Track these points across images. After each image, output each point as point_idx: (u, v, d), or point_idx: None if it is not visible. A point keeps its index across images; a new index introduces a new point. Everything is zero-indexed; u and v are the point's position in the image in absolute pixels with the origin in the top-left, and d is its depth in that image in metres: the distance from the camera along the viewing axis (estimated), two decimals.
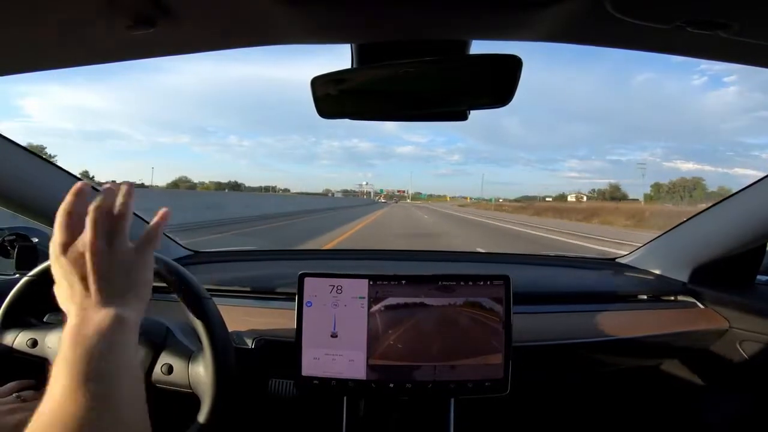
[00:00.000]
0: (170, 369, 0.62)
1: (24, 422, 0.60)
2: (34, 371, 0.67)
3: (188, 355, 0.62)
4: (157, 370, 0.62)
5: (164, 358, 0.62)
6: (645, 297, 1.05)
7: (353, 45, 0.58)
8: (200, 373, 0.60)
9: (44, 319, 0.70)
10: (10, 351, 0.66)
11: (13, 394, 0.65)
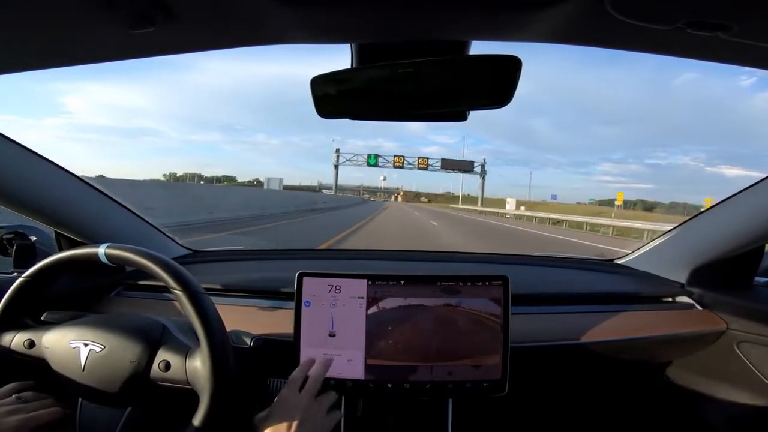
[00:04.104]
0: (168, 365, 0.62)
1: (25, 423, 0.61)
2: (34, 372, 0.67)
3: (185, 351, 0.62)
4: (155, 367, 0.62)
5: (161, 355, 0.62)
6: (643, 298, 1.05)
7: (353, 45, 0.58)
8: (197, 367, 0.60)
9: (42, 318, 0.70)
10: (8, 352, 0.66)
11: (14, 395, 0.65)
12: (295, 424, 0.59)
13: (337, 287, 0.74)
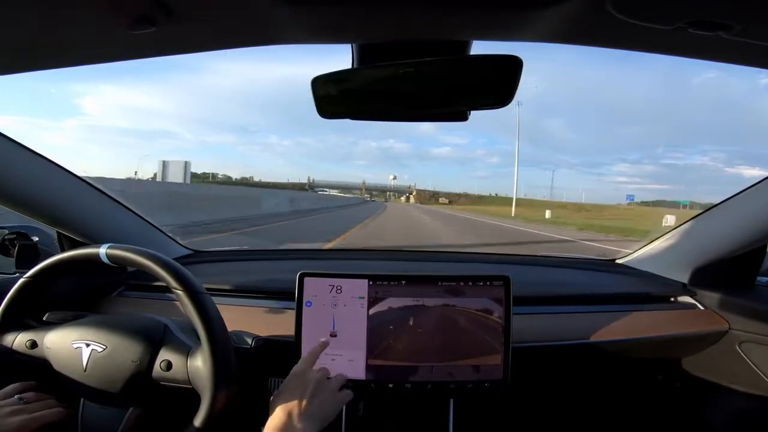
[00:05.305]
0: (169, 365, 0.62)
1: (27, 424, 0.61)
2: (36, 372, 0.67)
3: (187, 351, 0.63)
4: (156, 366, 0.62)
5: (163, 355, 0.63)
6: (644, 298, 1.05)
7: (354, 45, 0.58)
8: (198, 366, 0.60)
9: (44, 318, 0.70)
10: (10, 353, 0.66)
11: (16, 396, 0.65)
12: (306, 396, 0.60)
13: (338, 287, 0.74)
